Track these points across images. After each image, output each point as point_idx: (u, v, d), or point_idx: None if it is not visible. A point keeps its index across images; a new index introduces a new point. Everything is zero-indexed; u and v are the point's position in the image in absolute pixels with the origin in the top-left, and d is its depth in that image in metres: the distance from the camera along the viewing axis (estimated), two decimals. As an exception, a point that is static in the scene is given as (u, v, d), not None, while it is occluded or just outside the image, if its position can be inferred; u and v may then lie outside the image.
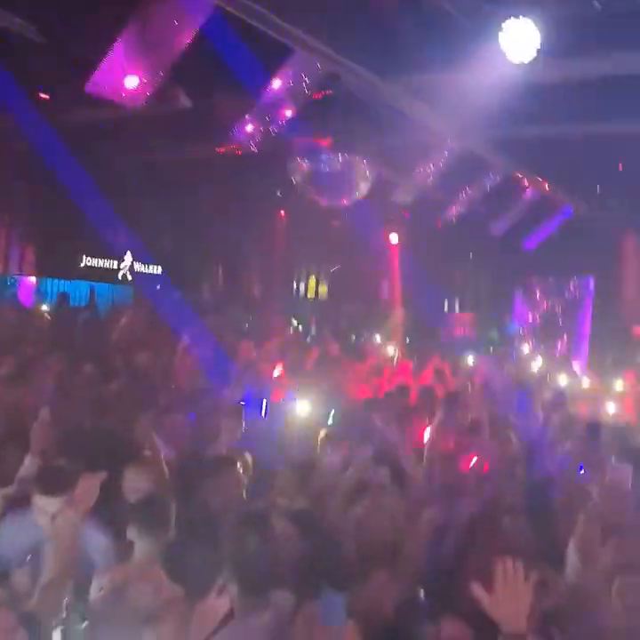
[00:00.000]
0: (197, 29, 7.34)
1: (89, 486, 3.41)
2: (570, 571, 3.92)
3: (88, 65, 7.78)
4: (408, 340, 15.97)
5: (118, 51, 7.52)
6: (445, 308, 20.02)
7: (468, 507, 4.81)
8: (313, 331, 16.58)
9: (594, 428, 6.37)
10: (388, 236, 18.11)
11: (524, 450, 6.41)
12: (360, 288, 19.22)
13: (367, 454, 4.94)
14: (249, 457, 5.29)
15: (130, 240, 16.78)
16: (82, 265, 16.33)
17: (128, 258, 17.28)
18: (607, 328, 16.52)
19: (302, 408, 6.48)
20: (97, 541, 3.94)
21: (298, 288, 19.97)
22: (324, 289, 20.04)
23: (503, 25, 6.66)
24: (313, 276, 20.01)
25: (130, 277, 17.37)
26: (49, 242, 15.13)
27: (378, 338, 14.33)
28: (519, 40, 6.59)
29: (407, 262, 18.91)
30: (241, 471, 4.77)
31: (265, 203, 15.90)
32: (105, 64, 7.67)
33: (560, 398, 6.95)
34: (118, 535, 3.91)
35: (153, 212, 15.86)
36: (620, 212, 14.84)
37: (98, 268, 16.76)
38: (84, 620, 3.21)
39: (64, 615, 3.20)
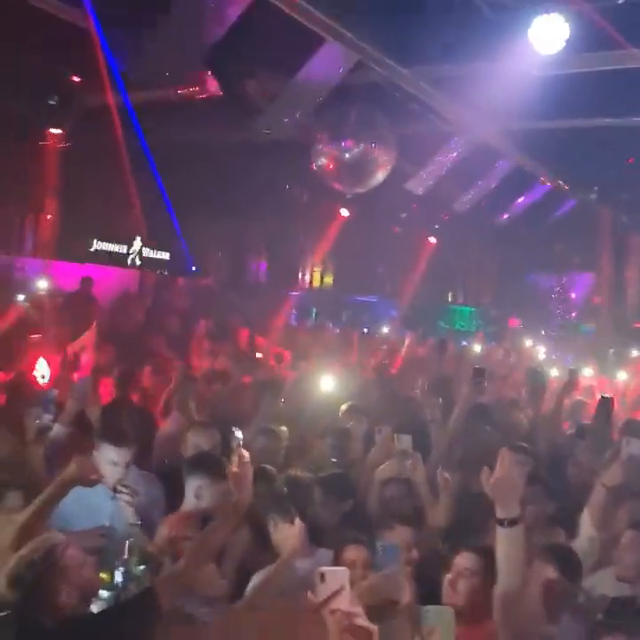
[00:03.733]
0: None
1: None
2: (583, 537, 4.12)
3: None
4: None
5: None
6: (449, 300, 20.25)
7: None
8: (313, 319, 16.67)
9: (605, 404, 6.58)
10: (394, 227, 18.29)
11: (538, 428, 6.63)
12: (365, 279, 19.35)
13: (388, 430, 5.17)
14: (285, 428, 5.56)
15: (140, 224, 16.90)
16: (92, 249, 16.39)
17: (137, 243, 17.38)
18: (609, 323, 16.81)
19: (327, 383, 6.71)
20: (153, 494, 4.37)
21: (303, 277, 20.04)
22: (329, 279, 20.13)
23: (534, 20, 6.82)
24: (319, 266, 20.10)
25: (138, 262, 17.49)
26: (62, 225, 15.18)
27: (384, 329, 14.59)
28: (548, 33, 6.77)
29: (412, 254, 19.12)
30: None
31: (274, 191, 16.01)
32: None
33: (571, 379, 7.15)
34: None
35: (162, 197, 15.94)
36: (628, 209, 15.06)
37: (108, 251, 16.81)
38: (142, 563, 3.42)
39: (125, 556, 3.43)
